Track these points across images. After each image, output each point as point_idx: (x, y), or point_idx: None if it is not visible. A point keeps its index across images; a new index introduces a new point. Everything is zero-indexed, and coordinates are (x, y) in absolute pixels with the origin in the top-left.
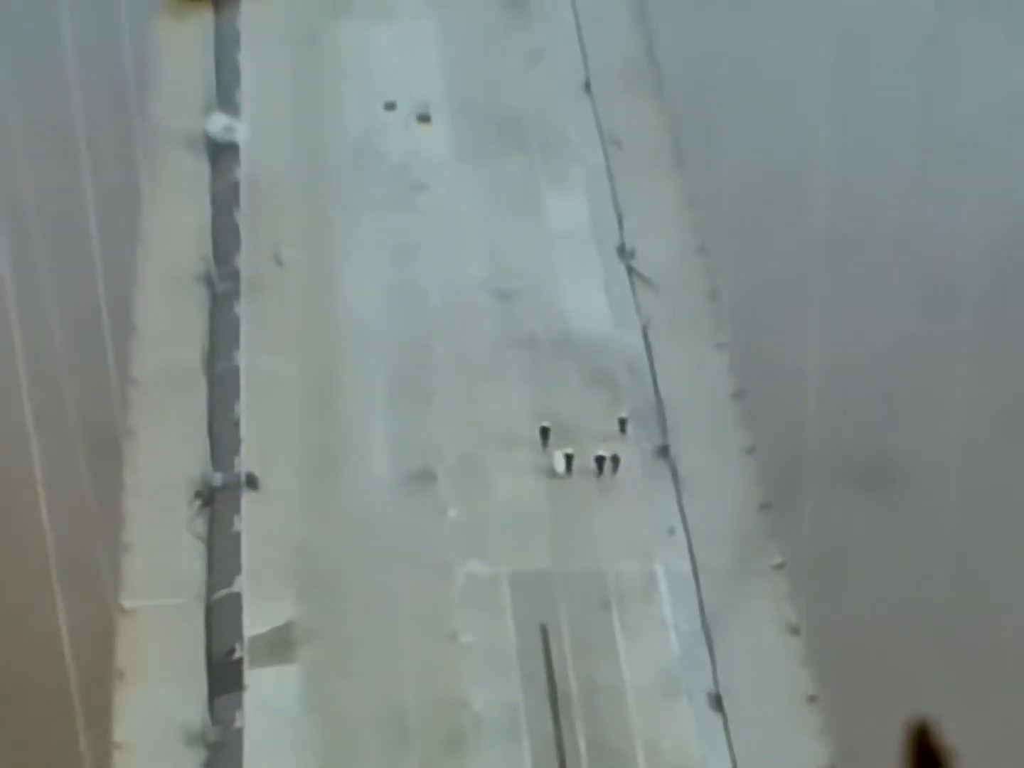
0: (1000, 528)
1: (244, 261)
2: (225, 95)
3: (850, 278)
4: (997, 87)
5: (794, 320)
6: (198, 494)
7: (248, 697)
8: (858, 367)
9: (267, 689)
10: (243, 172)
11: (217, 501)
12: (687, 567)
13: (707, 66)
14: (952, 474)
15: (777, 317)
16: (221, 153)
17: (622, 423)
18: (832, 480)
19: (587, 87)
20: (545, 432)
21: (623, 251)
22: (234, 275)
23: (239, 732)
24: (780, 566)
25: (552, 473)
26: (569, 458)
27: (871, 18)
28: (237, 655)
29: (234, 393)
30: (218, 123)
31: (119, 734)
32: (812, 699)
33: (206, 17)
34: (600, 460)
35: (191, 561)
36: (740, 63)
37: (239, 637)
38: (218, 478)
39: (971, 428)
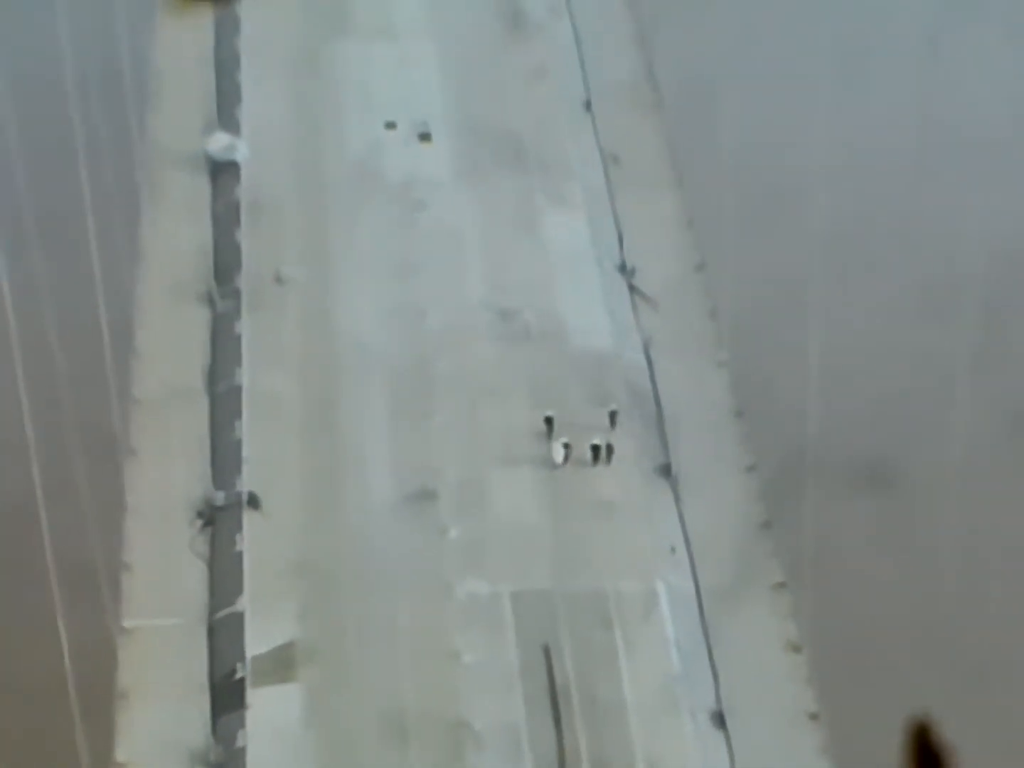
0: (1002, 535)
1: (245, 280)
2: (225, 114)
3: (850, 293)
4: (995, 87)
5: (794, 337)
6: (200, 514)
7: (250, 716)
8: (860, 384)
9: (269, 708)
10: (243, 191)
11: (219, 521)
12: (688, 585)
13: (706, 78)
14: (953, 487)
15: (777, 334)
16: (221, 172)
17: (612, 416)
18: (833, 495)
19: (587, 106)
20: (550, 422)
21: (623, 269)
22: (235, 294)
23: (242, 752)
24: (781, 585)
25: (552, 464)
26: (567, 447)
27: (869, 34)
28: (239, 675)
29: (235, 412)
30: (218, 142)
31: (121, 754)
32: (814, 717)
33: (206, 18)
34: (596, 449)
35: (193, 581)
36: (738, 74)
37: (241, 657)
38: (220, 497)
39: (971, 447)
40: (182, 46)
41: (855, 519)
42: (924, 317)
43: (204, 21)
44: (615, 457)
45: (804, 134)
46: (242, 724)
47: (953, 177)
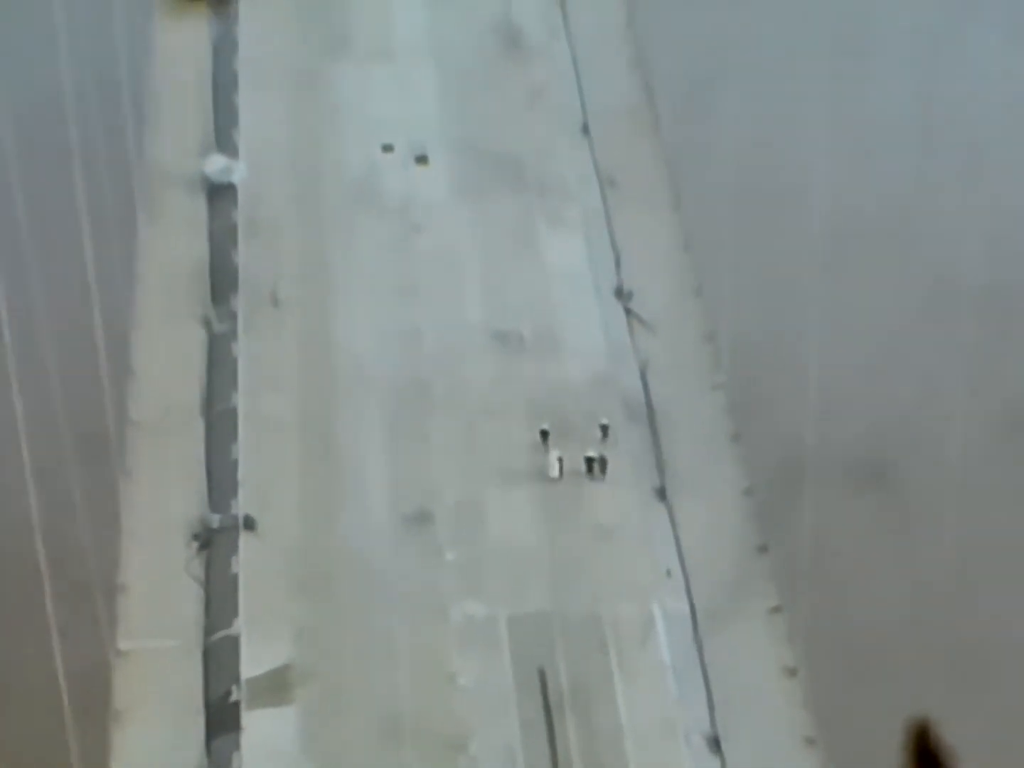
0: (1003, 538)
1: (242, 302)
2: (223, 135)
3: (849, 299)
4: (994, 86)
5: (792, 348)
6: (196, 536)
7: (245, 739)
8: (857, 409)
9: (264, 731)
10: (241, 212)
11: (215, 543)
12: (684, 609)
13: (703, 96)
14: (952, 492)
15: (774, 358)
16: (219, 194)
17: (604, 429)
18: (832, 507)
19: (585, 128)
20: (545, 435)
21: (620, 292)
22: (232, 316)
23: None
24: (777, 609)
25: (547, 477)
26: (561, 461)
27: (869, 44)
28: (234, 697)
29: (232, 434)
30: (216, 164)
31: None
32: (810, 741)
33: (203, 20)
34: (590, 461)
35: (188, 603)
36: (735, 92)
37: (236, 679)
38: (216, 520)
39: (968, 450)
40: (180, 66)
41: (854, 531)
42: (924, 319)
43: (201, 32)
44: (612, 480)
45: (802, 153)
46: (237, 746)
47: (952, 180)
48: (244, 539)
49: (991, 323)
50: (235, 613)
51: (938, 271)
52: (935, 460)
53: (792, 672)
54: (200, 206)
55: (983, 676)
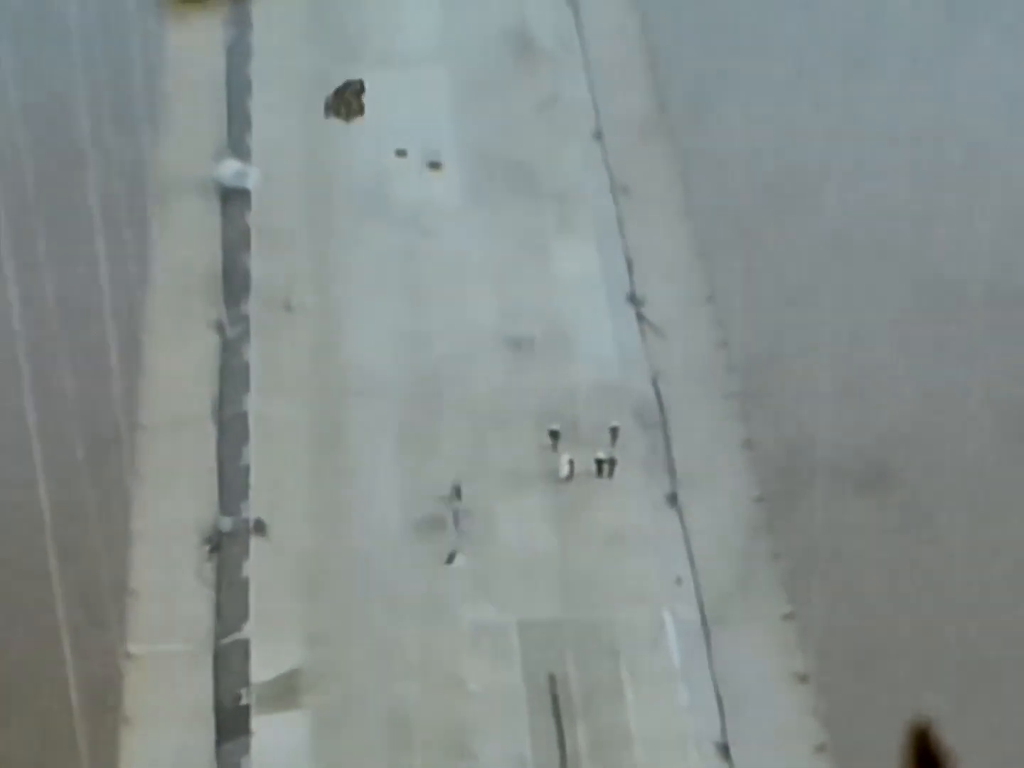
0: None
1: (254, 306)
2: (236, 140)
3: (859, 324)
4: (1004, 93)
5: (803, 368)
6: (206, 540)
7: (255, 743)
8: (868, 415)
9: (274, 735)
10: (254, 217)
11: (225, 547)
12: (695, 615)
13: (713, 103)
14: (958, 495)
15: (786, 365)
16: (232, 198)
17: (613, 432)
18: (842, 514)
19: (598, 135)
20: (555, 435)
21: (633, 299)
22: (244, 320)
23: None
24: (788, 615)
25: (557, 478)
26: (572, 464)
27: (876, 50)
28: (244, 701)
29: (243, 439)
30: (229, 168)
31: None
32: (820, 748)
33: (212, 20)
34: (600, 463)
35: (199, 607)
36: (746, 99)
37: (246, 683)
38: (226, 523)
39: (983, 471)
40: (193, 69)
41: (865, 538)
42: (936, 327)
43: (214, 35)
44: (623, 486)
45: (815, 160)
46: (247, 751)
47: (963, 187)
48: (254, 543)
49: (1004, 331)
50: (245, 617)
51: (950, 278)
52: (946, 466)
53: (803, 679)
54: (213, 210)
55: (995, 681)
